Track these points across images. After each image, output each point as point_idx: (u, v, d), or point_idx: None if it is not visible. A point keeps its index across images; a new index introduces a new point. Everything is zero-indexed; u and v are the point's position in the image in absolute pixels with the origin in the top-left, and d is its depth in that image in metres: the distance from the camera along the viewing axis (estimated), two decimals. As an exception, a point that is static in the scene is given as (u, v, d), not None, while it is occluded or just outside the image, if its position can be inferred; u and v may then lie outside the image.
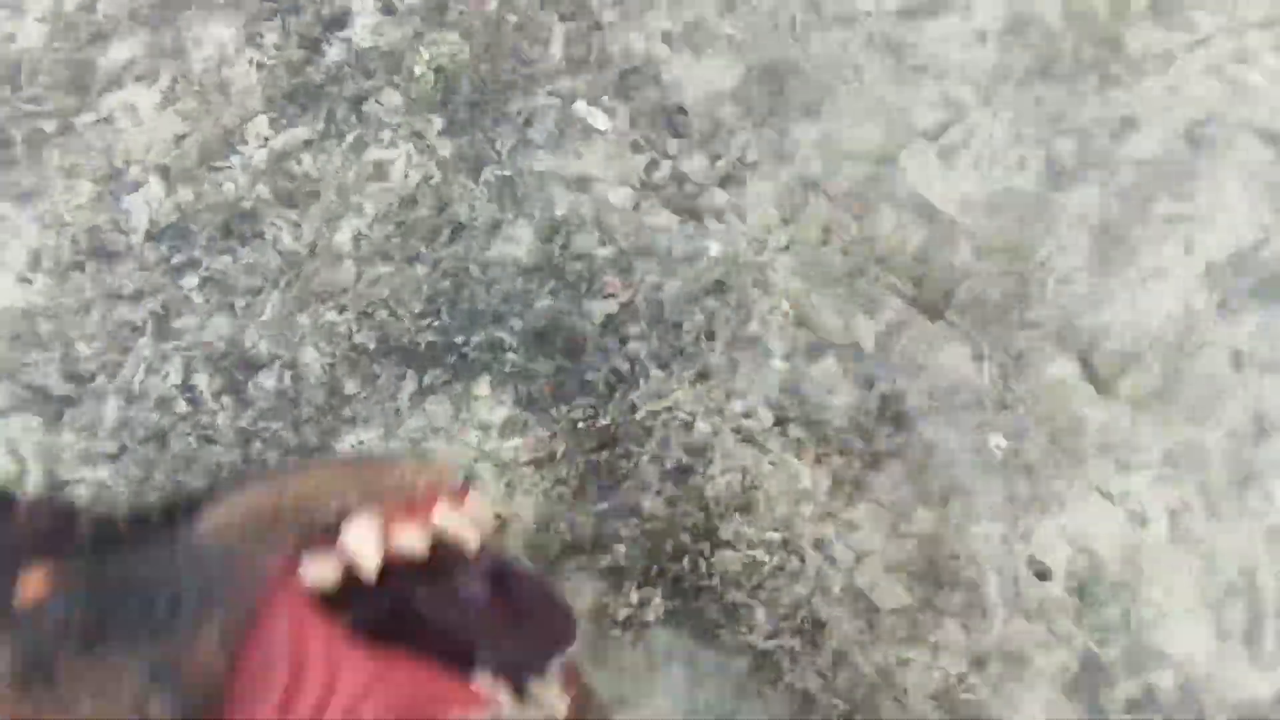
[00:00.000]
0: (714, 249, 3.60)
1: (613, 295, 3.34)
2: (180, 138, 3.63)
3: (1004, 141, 4.54)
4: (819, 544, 3.23)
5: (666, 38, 3.91)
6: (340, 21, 3.66)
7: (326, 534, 1.27)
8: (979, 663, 3.18)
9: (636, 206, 3.64)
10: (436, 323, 3.33)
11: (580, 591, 3.04)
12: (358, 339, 3.33)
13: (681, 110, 3.73)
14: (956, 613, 3.25)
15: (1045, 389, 3.93)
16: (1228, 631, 3.78)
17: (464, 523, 1.41)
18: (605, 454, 3.21)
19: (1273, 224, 4.48)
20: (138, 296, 3.50)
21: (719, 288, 3.56)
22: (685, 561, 3.04)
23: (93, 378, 3.53)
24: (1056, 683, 3.24)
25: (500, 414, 3.32)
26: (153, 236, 3.51)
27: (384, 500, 1.30)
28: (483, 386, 3.35)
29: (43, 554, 1.19)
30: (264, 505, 1.26)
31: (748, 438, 3.34)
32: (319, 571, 1.26)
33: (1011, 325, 3.99)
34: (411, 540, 1.32)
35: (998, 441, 3.56)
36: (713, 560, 3.07)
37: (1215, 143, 4.53)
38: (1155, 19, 4.60)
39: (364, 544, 1.26)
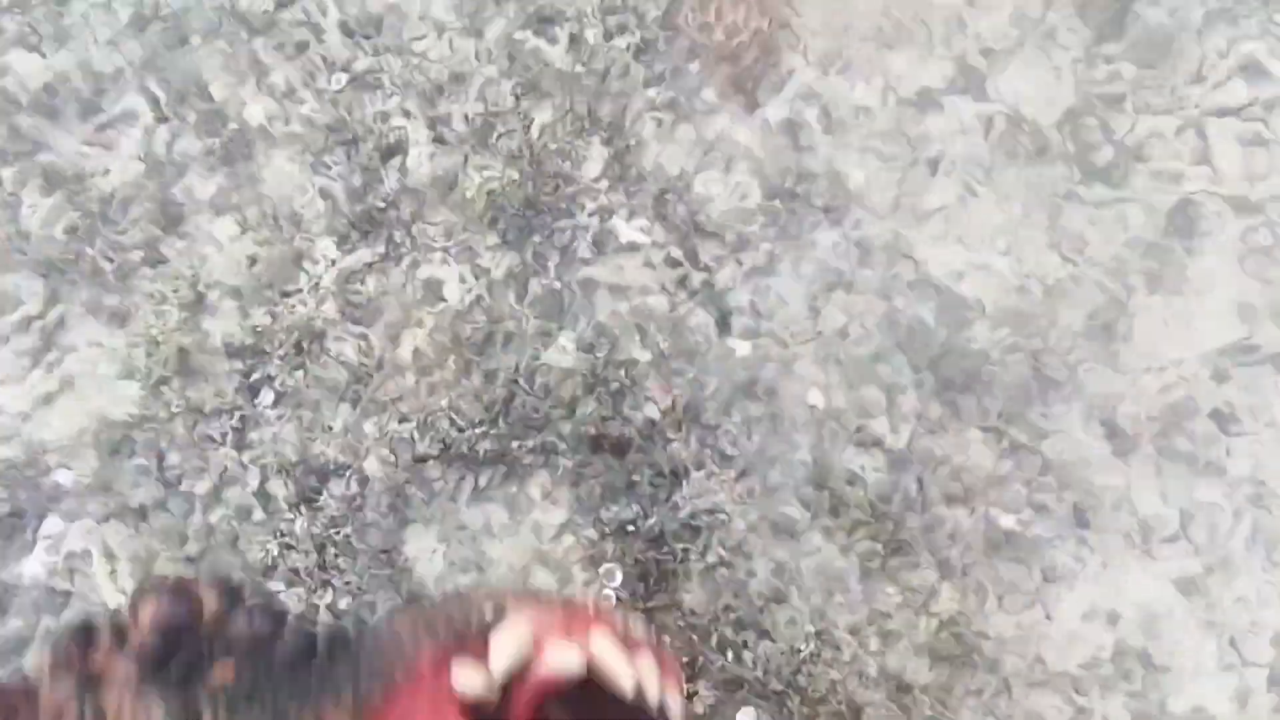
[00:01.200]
0: (742, 348, 3.76)
1: (654, 400, 3.50)
2: (254, 262, 3.86)
3: (1009, 227, 4.68)
4: (853, 630, 3.35)
5: (695, 152, 4.11)
6: (396, 150, 3.89)
7: (480, 642, 1.27)
8: (1009, 739, 3.27)
9: (672, 311, 3.82)
10: (494, 430, 3.50)
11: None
12: (420, 448, 3.50)
13: (709, 222, 3.91)
14: (980, 690, 3.35)
15: (1065, 463, 4.03)
16: (1246, 692, 3.84)
17: (620, 659, 1.35)
18: (652, 553, 3.35)
19: (1260, 297, 4.58)
20: (217, 413, 3.70)
21: (750, 387, 3.71)
22: (729, 654, 3.16)
23: (179, 484, 3.72)
24: (1082, 758, 3.31)
25: (554, 516, 3.48)
26: (230, 355, 3.72)
27: (542, 618, 1.30)
28: (536, 489, 3.51)
29: (242, 650, 1.27)
30: (429, 615, 1.32)
31: (782, 530, 3.46)
32: (468, 678, 1.25)
33: (1029, 403, 4.11)
34: (567, 659, 1.30)
35: (1013, 521, 3.66)
36: (755, 651, 3.19)
37: (1202, 223, 4.66)
38: (1135, 112, 4.77)
39: (562, 653, 1.27)
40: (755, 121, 4.21)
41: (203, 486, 3.64)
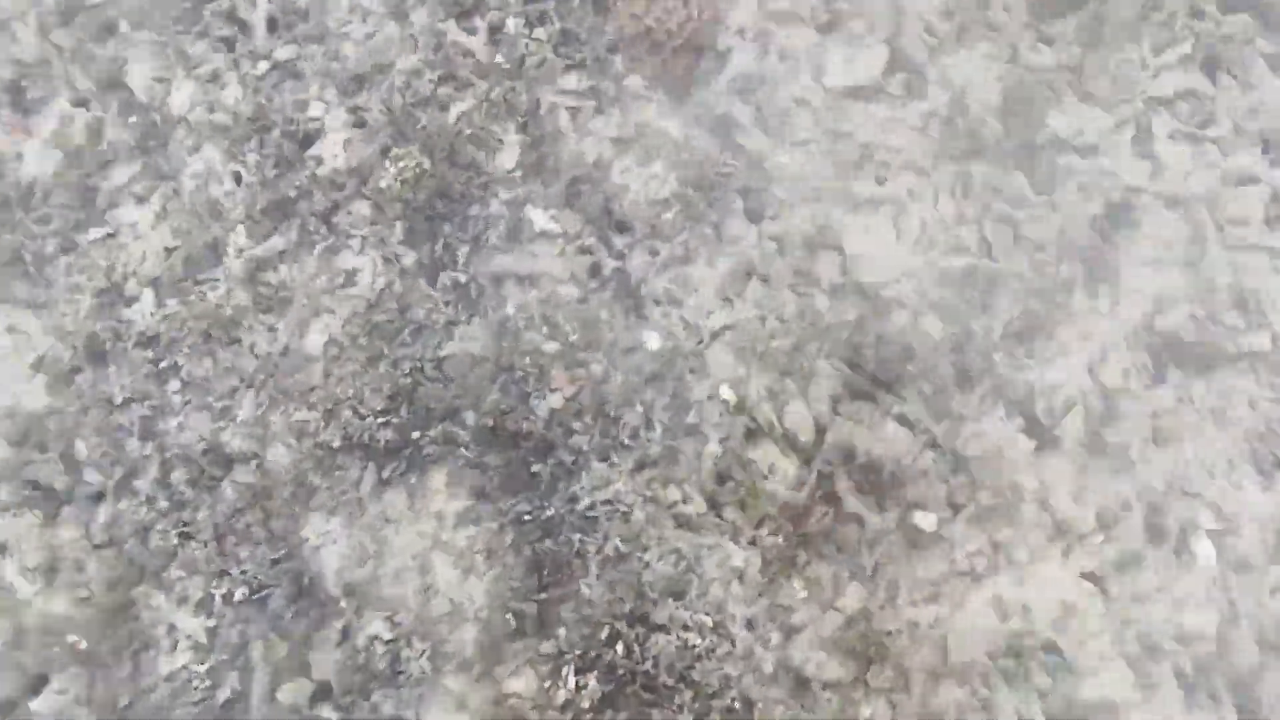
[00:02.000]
0: (653, 341, 3.68)
1: (558, 390, 3.42)
2: (170, 252, 3.80)
3: (940, 220, 4.59)
4: (750, 624, 3.26)
5: (613, 143, 4.02)
6: (313, 138, 3.82)
7: None
8: (911, 736, 3.17)
9: (583, 301, 3.74)
10: (396, 420, 3.43)
11: (523, 676, 3.09)
12: (323, 437, 3.43)
13: (624, 211, 3.83)
14: (886, 688, 3.25)
15: (984, 459, 3.93)
16: (1152, 686, 3.73)
17: None
18: (549, 543, 3.28)
19: (1184, 291, 4.47)
20: (128, 403, 3.64)
21: (658, 378, 3.62)
22: (620, 646, 3.08)
23: (87, 476, 3.66)
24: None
25: (455, 506, 3.41)
26: (142, 344, 3.66)
27: None
28: (438, 480, 3.44)
29: None
30: None
31: (683, 523, 3.39)
32: None
33: (950, 395, 4.01)
34: None
35: (928, 519, 3.57)
36: (646, 645, 3.11)
37: (1131, 215, 4.55)
38: (1080, 103, 4.65)
39: None
40: (685, 111, 4.12)
41: (112, 476, 3.59)
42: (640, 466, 3.36)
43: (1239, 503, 4.26)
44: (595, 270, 3.76)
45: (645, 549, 3.31)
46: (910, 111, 4.65)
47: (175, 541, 3.36)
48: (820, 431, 3.81)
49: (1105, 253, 4.58)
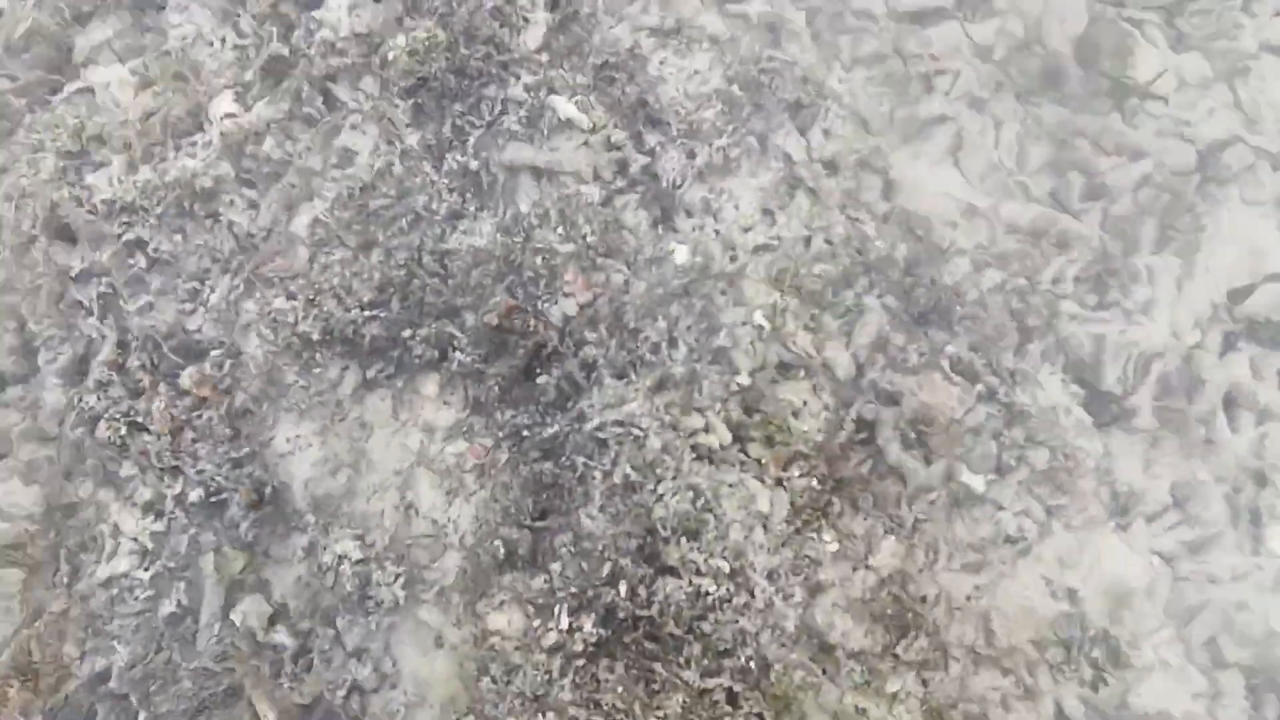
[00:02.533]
0: (682, 254, 3.23)
1: (572, 295, 2.98)
2: (149, 115, 3.36)
3: (1006, 162, 4.13)
4: (772, 576, 2.83)
5: (651, 33, 3.55)
6: (318, 2, 3.36)
7: None
8: (939, 718, 2.75)
9: (607, 203, 3.28)
10: (385, 314, 2.99)
11: (509, 612, 2.68)
12: (302, 327, 3.00)
13: (660, 105, 3.36)
14: (918, 662, 2.82)
15: (1040, 420, 3.49)
16: (1214, 694, 3.31)
17: None
18: (549, 465, 2.85)
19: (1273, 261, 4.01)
20: (86, 276, 3.21)
21: (685, 295, 3.17)
22: (623, 587, 2.66)
23: (39, 354, 3.25)
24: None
25: (446, 417, 2.99)
26: (107, 213, 3.22)
27: None
28: (430, 387, 3.01)
29: None
30: None
31: (704, 455, 2.95)
32: None
33: (1007, 349, 3.55)
34: None
35: (980, 481, 3.12)
36: (653, 588, 2.69)
37: (1226, 174, 4.08)
38: (1169, 46, 4.17)
39: None
40: (730, 9, 3.65)
41: (65, 357, 3.17)
42: (660, 387, 2.93)
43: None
44: (622, 168, 3.31)
45: (659, 480, 2.88)
46: (981, 40, 4.17)
47: (125, 433, 2.95)
48: (861, 371, 3.38)
49: (1191, 209, 4.12)
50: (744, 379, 3.19)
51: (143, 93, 3.51)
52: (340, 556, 2.82)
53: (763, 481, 3.00)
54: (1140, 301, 3.87)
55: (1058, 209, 4.04)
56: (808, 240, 3.38)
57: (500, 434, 2.91)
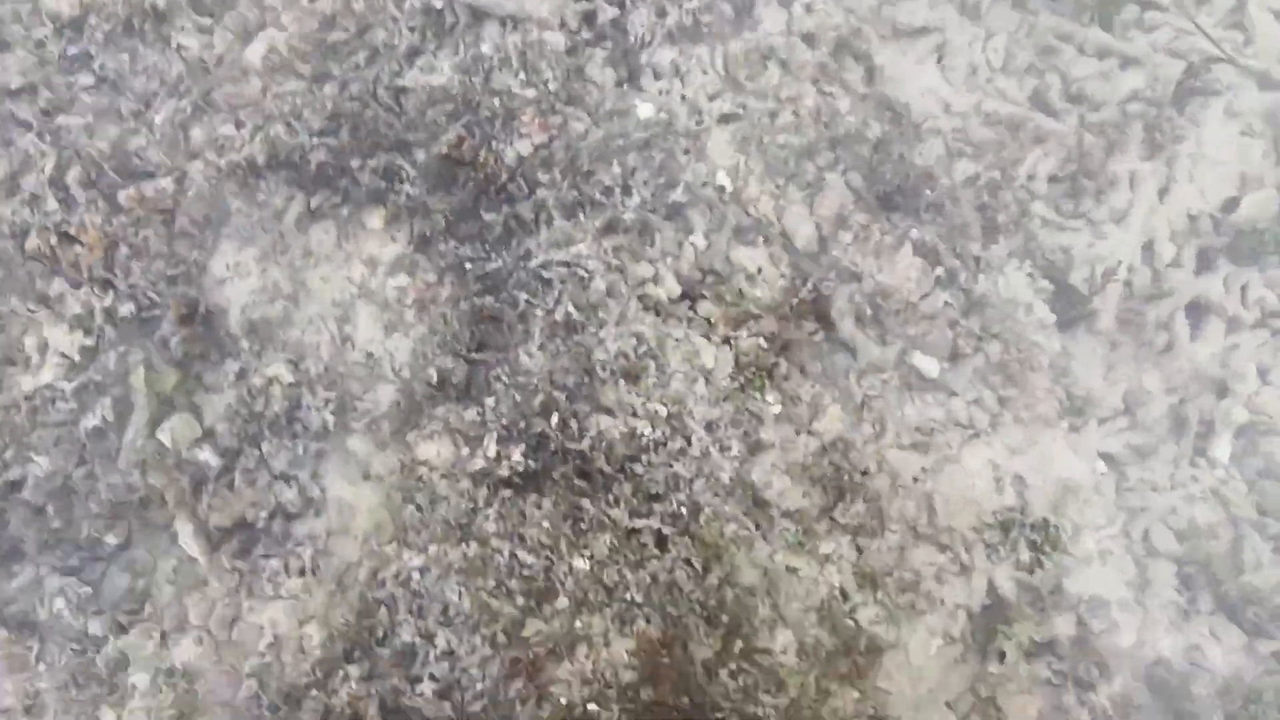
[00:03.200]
0: (645, 109, 3.15)
1: (528, 136, 2.90)
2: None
3: (995, 58, 4.07)
4: (711, 427, 2.79)
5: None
6: None
7: None
8: (871, 583, 2.73)
9: (571, 53, 3.20)
10: (334, 141, 2.91)
11: (438, 442, 2.63)
12: (247, 151, 2.91)
13: (634, -41, 3.26)
14: (854, 526, 2.80)
15: (1000, 312, 3.45)
16: (1143, 585, 3.32)
17: None
18: (491, 299, 2.79)
19: (1258, 176, 3.98)
20: (25, 90, 3.10)
21: (645, 147, 3.10)
22: (554, 420, 2.61)
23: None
24: (953, 618, 2.78)
25: (391, 251, 2.93)
26: (51, 26, 3.11)
27: None
28: (375, 220, 2.94)
29: None
30: None
31: (650, 305, 2.90)
32: None
33: (972, 238, 3.51)
34: None
35: (929, 362, 3.07)
36: (586, 424, 2.64)
37: (1210, 90, 4.03)
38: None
39: None
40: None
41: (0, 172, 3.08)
42: (609, 229, 2.87)
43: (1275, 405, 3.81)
44: (590, 20, 3.23)
45: (602, 324, 2.84)
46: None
47: (56, 243, 2.87)
48: (823, 246, 3.33)
49: (1175, 122, 4.06)
50: (699, 238, 3.14)
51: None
52: (271, 379, 2.76)
53: (709, 339, 2.95)
54: (1116, 209, 3.83)
55: (1039, 109, 3.97)
56: (775, 112, 3.32)
57: (443, 265, 2.85)
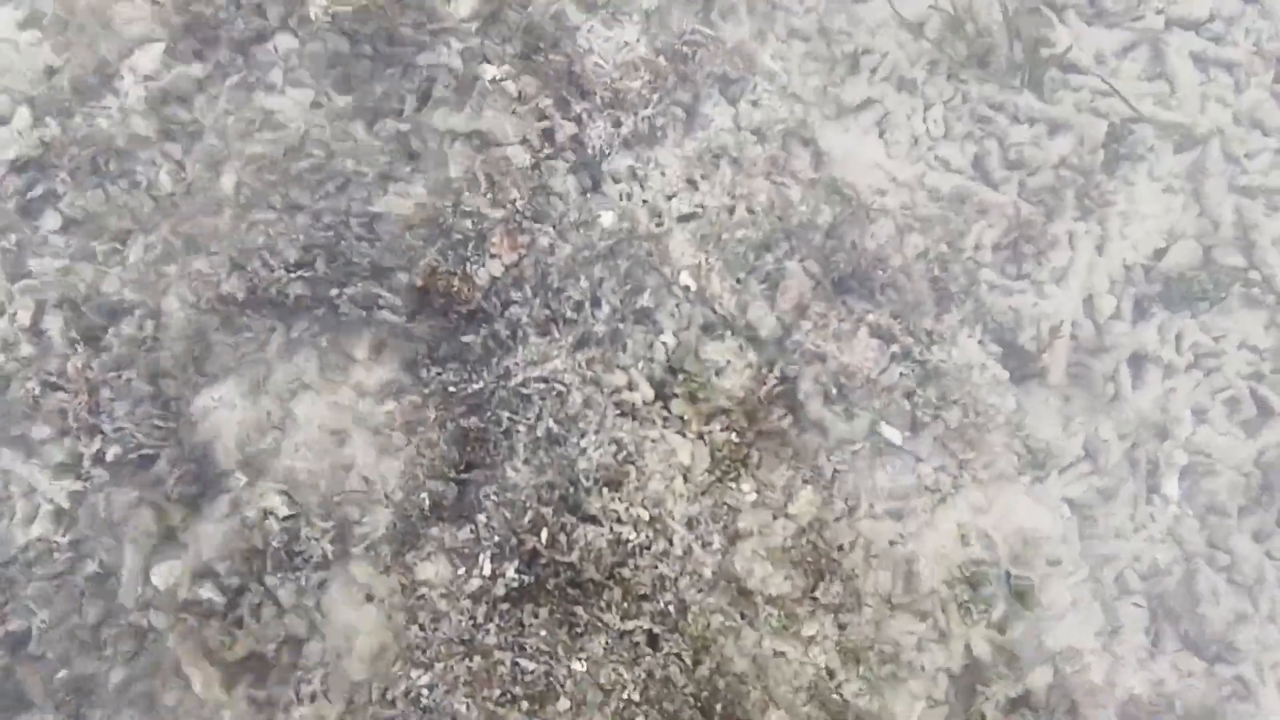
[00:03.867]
0: (608, 218, 3.33)
1: (498, 256, 3.06)
2: (53, 70, 3.32)
3: (934, 128, 4.32)
4: (692, 523, 2.95)
5: (580, 3, 3.64)
6: (237, -38, 3.38)
7: None
8: (854, 659, 2.90)
9: (535, 168, 3.36)
10: (311, 274, 3.03)
11: (436, 562, 2.75)
12: (226, 288, 3.02)
13: (587, 74, 3.44)
14: (835, 605, 2.98)
15: (956, 379, 3.67)
16: (1114, 630, 3.55)
17: None
18: (475, 420, 2.93)
19: (1182, 228, 4.28)
20: (-5, 233, 3.17)
21: (611, 257, 3.28)
22: (544, 535, 2.76)
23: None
24: (935, 682, 2.97)
25: (375, 377, 3.06)
26: (16, 169, 3.18)
27: None
28: (358, 347, 3.06)
29: None
30: None
31: (627, 411, 3.07)
32: None
33: (925, 313, 3.73)
34: None
35: (893, 431, 3.28)
36: (574, 535, 2.79)
37: (1134, 148, 4.33)
38: (1091, 20, 4.40)
39: None
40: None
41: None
42: (582, 344, 3.03)
43: (1216, 445, 4.10)
44: (549, 136, 3.40)
45: (583, 434, 2.99)
46: (910, 16, 4.34)
47: (38, 393, 2.93)
48: (787, 332, 3.52)
49: (1105, 180, 4.35)
50: (668, 338, 3.31)
51: (42, 47, 3.46)
52: (267, 512, 2.86)
53: (684, 435, 3.13)
54: (1056, 268, 4.09)
55: (979, 180, 4.24)
56: (731, 209, 3.52)
57: (427, 391, 2.98)
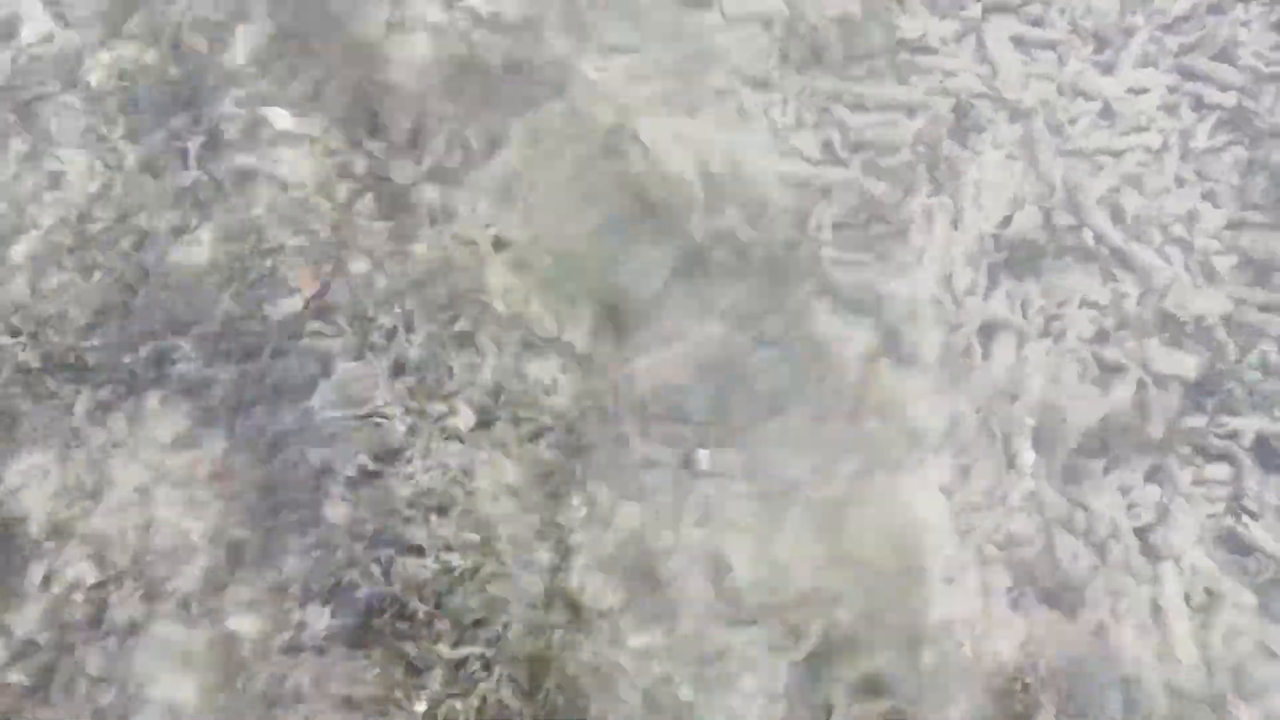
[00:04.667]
0: (418, 249, 3.33)
1: (299, 290, 3.03)
2: None
3: (781, 121, 4.39)
4: (521, 544, 2.94)
5: (378, 27, 3.64)
6: (9, 29, 3.33)
7: None
8: (688, 663, 2.91)
9: (337, 207, 3.35)
10: (106, 338, 2.98)
11: (243, 615, 2.70)
12: (23, 358, 2.95)
13: (383, 109, 3.45)
14: (665, 614, 2.98)
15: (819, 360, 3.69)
16: (985, 601, 3.61)
17: None
18: (282, 461, 2.88)
19: (1025, 195, 4.40)
20: None
21: (426, 284, 3.27)
22: (358, 572, 2.73)
23: None
24: (773, 677, 2.98)
25: (174, 428, 2.99)
26: None
27: None
28: (158, 402, 3.00)
29: None
30: None
31: (451, 435, 3.05)
32: None
33: (777, 298, 3.76)
34: None
35: (705, 459, 3.25)
36: (394, 569, 2.76)
37: (978, 123, 4.44)
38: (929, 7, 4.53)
39: None
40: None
41: None
42: (398, 371, 3.02)
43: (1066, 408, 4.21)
44: (347, 171, 3.39)
45: (407, 463, 2.98)
46: (748, 20, 4.43)
47: None
48: (603, 347, 3.54)
49: (951, 157, 4.47)
50: (491, 360, 3.31)
51: None
52: (72, 584, 2.79)
53: (510, 455, 3.12)
54: (912, 248, 4.17)
55: (830, 162, 4.33)
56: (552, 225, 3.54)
57: (232, 437, 2.94)
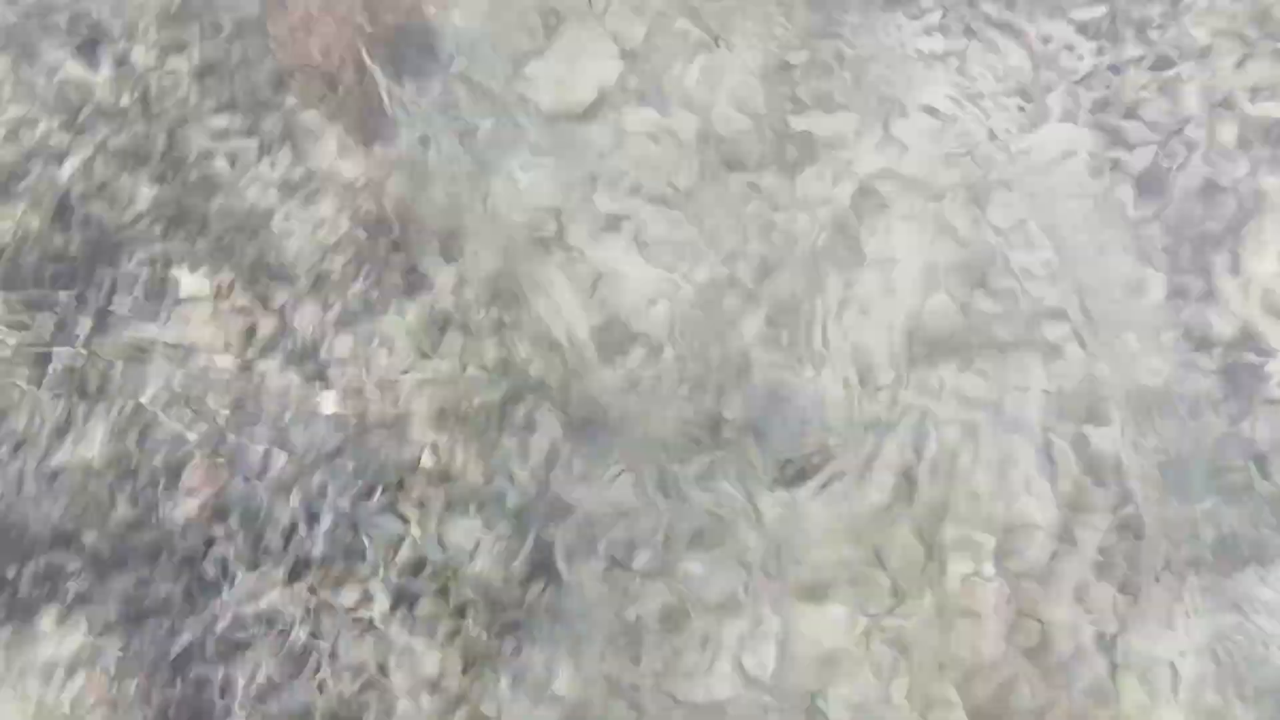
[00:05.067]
0: (328, 404, 3.15)
1: (193, 492, 2.84)
2: None
3: (686, 239, 4.28)
4: (442, 752, 2.75)
5: (277, 188, 3.49)
6: None
7: None
8: None
9: (242, 372, 3.16)
10: (-21, 557, 2.76)
11: None
12: (-113, 589, 2.73)
13: (285, 260, 3.29)
14: (614, 790, 2.81)
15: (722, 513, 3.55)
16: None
17: None
18: (181, 680, 2.67)
19: (934, 283, 4.30)
20: None
21: (338, 454, 3.09)
22: (270, 804, 2.53)
23: None
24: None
25: (68, 647, 2.77)
26: None
27: None
28: (46, 623, 2.78)
29: None
30: None
31: (366, 628, 2.85)
32: None
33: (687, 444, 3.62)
34: None
35: (638, 610, 3.10)
36: (307, 794, 2.56)
37: (882, 207, 4.35)
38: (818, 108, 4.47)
39: None
40: (370, 152, 3.64)
41: None
42: (296, 572, 2.83)
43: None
44: (253, 332, 3.21)
45: (316, 669, 2.77)
46: (654, 130, 4.34)
47: None
48: (539, 493, 3.39)
49: (859, 241, 4.37)
50: (413, 530, 3.14)
51: None
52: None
53: (432, 639, 2.93)
54: (821, 346, 4.07)
55: (752, 279, 4.22)
56: (464, 368, 3.39)
57: (126, 656, 2.73)
